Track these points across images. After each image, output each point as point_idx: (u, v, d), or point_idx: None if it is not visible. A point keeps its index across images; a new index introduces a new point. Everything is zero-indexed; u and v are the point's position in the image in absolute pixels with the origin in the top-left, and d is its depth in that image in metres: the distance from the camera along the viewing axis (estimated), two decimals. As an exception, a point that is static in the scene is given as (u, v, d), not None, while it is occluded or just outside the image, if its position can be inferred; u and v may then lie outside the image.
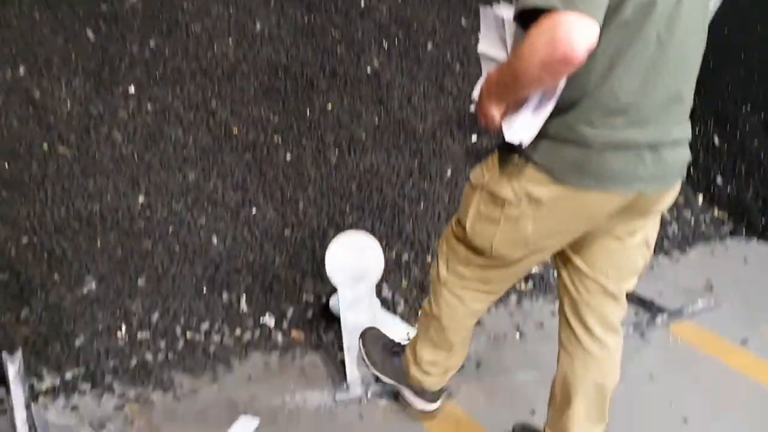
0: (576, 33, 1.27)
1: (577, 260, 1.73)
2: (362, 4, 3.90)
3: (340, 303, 2.34)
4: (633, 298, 2.91)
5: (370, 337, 2.24)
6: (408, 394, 2.18)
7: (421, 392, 2.15)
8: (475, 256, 1.76)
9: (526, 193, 1.55)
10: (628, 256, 1.70)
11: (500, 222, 1.62)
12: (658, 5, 1.40)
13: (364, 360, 2.22)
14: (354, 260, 2.34)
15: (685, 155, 1.57)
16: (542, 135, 1.49)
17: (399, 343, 2.23)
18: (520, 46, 1.37)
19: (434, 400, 2.17)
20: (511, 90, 1.45)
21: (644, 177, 1.49)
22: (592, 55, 1.34)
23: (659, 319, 2.77)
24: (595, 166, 1.46)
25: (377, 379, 2.31)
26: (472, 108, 1.61)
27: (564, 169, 1.49)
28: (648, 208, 1.60)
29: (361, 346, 2.23)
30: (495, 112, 1.53)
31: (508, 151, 1.58)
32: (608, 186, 1.48)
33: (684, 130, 1.56)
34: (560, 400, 1.91)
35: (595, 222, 1.59)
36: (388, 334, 2.41)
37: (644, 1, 1.39)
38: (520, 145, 1.51)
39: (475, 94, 1.64)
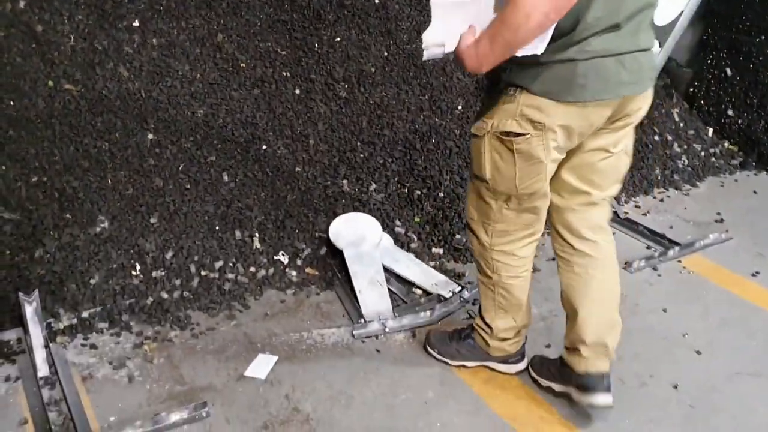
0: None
1: (565, 174, 1.84)
2: (368, -68, 3.77)
3: (347, 259, 2.44)
4: (644, 232, 2.91)
5: (434, 338, 2.24)
6: (496, 366, 2.16)
7: (507, 358, 2.14)
8: (506, 205, 1.83)
9: (530, 121, 1.66)
10: (613, 165, 1.83)
11: (515, 158, 1.71)
12: None
13: (442, 360, 2.19)
14: (353, 229, 2.57)
15: (653, 60, 1.74)
16: (531, 64, 1.59)
17: (464, 328, 2.21)
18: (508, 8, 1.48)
19: (521, 359, 2.16)
20: (520, 43, 1.53)
21: (626, 81, 1.64)
22: None
23: (671, 252, 2.77)
24: (585, 80, 1.59)
25: (394, 315, 2.34)
26: (425, 55, 1.66)
27: (560, 89, 1.61)
28: (630, 114, 1.74)
29: (432, 351, 2.22)
30: (498, 60, 1.60)
31: (499, 92, 1.69)
32: (601, 94, 1.62)
33: (650, 39, 1.70)
34: (570, 312, 1.97)
35: (594, 129, 1.72)
36: (402, 270, 2.43)
37: None
38: (512, 83, 1.65)
39: (435, 42, 1.70)
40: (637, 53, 1.65)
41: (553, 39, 1.54)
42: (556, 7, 1.45)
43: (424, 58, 1.79)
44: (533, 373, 2.12)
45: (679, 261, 2.76)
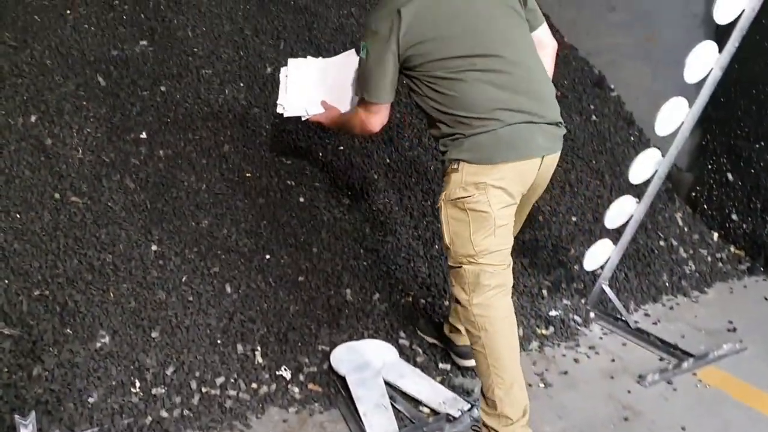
0: (371, 119, 2.26)
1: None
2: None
3: (350, 385, 2.42)
4: (656, 343, 2.85)
5: None
6: None
7: None
8: (473, 266, 2.10)
9: (473, 184, 2.06)
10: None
11: (468, 217, 2.08)
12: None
13: None
14: (355, 356, 2.58)
15: (561, 131, 2.19)
16: (464, 140, 2.06)
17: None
18: (352, 116, 2.38)
19: None
20: (344, 130, 2.58)
21: (543, 145, 2.10)
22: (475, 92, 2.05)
23: (685, 365, 2.70)
24: (506, 144, 2.04)
25: (400, 434, 2.26)
26: (281, 111, 2.73)
27: (489, 155, 2.04)
28: (548, 172, 2.21)
29: None
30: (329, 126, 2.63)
31: (447, 167, 2.13)
32: (523, 153, 2.06)
33: (554, 112, 2.16)
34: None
35: (527, 184, 2.14)
36: (409, 387, 2.37)
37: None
38: (453, 158, 2.10)
39: (298, 106, 2.69)
40: (545, 125, 2.10)
41: (468, 119, 2.05)
42: (368, 131, 2.31)
43: (285, 116, 2.69)
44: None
45: (694, 374, 2.69)
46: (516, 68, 2.09)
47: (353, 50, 2.65)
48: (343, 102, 2.58)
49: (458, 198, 2.08)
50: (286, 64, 2.77)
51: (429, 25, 2.06)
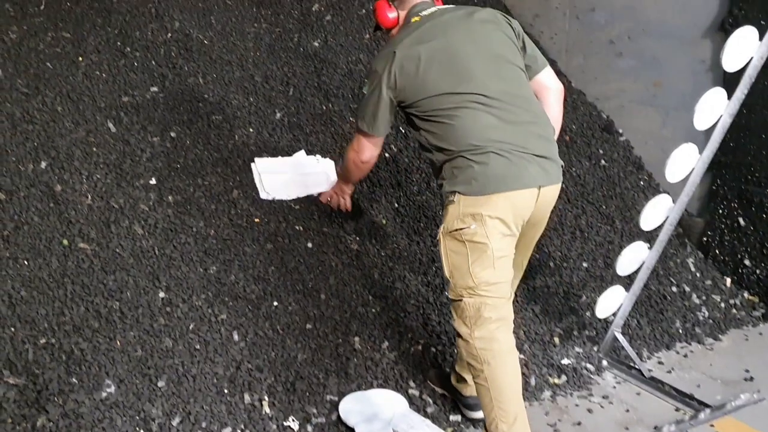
0: (363, 148, 2.45)
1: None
2: (380, 90, 3.92)
3: None
4: (671, 392, 2.79)
5: None
6: None
7: None
8: (473, 299, 2.12)
9: (470, 216, 2.10)
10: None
11: (467, 248, 2.12)
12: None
13: None
14: (364, 406, 2.53)
15: (557, 162, 2.24)
16: (458, 173, 2.14)
17: None
18: (346, 154, 2.58)
19: None
20: (347, 178, 2.74)
21: (536, 176, 2.14)
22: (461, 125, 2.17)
23: (702, 416, 2.64)
24: (502, 174, 2.11)
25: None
26: (265, 197, 3.13)
27: (481, 185, 2.10)
28: (547, 205, 2.25)
29: None
30: (345, 191, 2.87)
31: (444, 200, 2.19)
32: (510, 185, 2.10)
33: (546, 147, 2.21)
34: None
35: (527, 215, 2.17)
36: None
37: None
38: (450, 190, 2.17)
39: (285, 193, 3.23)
40: (538, 157, 2.15)
41: (462, 151, 2.13)
42: (359, 161, 2.50)
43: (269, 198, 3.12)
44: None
45: (711, 425, 2.62)
46: (508, 104, 2.18)
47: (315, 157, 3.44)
48: (319, 185, 3.21)
49: (456, 230, 2.13)
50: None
51: (421, 64, 2.21)
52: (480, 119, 2.15)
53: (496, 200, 2.10)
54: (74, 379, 2.36)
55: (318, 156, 3.48)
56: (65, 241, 2.73)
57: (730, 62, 2.54)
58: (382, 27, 2.51)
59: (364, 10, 4.42)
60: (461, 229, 2.12)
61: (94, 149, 3.10)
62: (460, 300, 2.16)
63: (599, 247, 3.59)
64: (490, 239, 2.10)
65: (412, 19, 2.38)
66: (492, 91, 2.18)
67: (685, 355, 3.15)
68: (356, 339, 2.81)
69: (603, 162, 4.07)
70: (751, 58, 2.55)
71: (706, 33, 3.72)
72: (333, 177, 3.35)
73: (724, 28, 3.59)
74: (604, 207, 3.81)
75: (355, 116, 2.48)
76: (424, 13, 2.38)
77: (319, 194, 3.11)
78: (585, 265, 3.47)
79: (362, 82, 3.89)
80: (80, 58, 3.53)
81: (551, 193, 2.23)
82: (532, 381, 2.79)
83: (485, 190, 2.10)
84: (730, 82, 2.70)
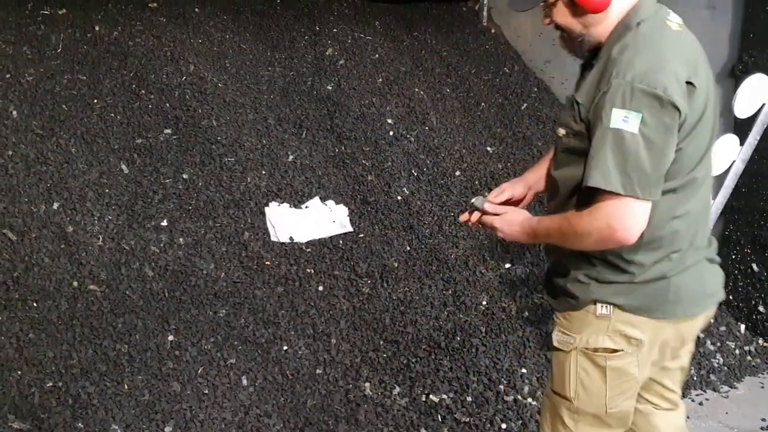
0: (630, 221, 1.49)
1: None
2: (391, 134, 3.95)
3: None
4: (688, 443, 2.73)
5: None
6: None
7: None
8: (596, 428, 1.73)
9: (624, 337, 1.64)
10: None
11: (606, 376, 1.67)
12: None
13: None
14: None
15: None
16: (623, 280, 1.62)
17: None
18: (578, 218, 1.56)
19: None
20: (558, 242, 1.66)
21: (710, 292, 1.71)
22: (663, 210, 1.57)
23: (719, 468, 2.58)
24: (677, 296, 1.62)
25: None
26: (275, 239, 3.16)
27: (653, 307, 1.62)
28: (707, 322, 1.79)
29: None
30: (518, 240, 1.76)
31: (583, 306, 1.67)
32: (693, 309, 1.67)
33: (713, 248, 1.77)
34: None
35: (686, 342, 1.75)
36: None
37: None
38: (600, 300, 1.64)
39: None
40: (709, 263, 1.72)
41: (644, 251, 1.60)
42: (618, 241, 1.53)
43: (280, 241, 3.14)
44: None
45: (729, 478, 2.56)
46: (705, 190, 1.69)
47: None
48: (331, 228, 3.30)
49: (601, 349, 1.66)
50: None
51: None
52: (684, 214, 1.66)
53: (664, 325, 1.66)
54: (80, 424, 2.33)
55: (331, 202, 3.49)
56: (75, 283, 2.73)
57: (742, 109, 2.55)
58: None
59: (377, 55, 4.47)
60: (609, 351, 1.66)
61: (107, 190, 3.12)
62: (572, 423, 1.74)
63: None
64: (641, 371, 1.69)
65: None
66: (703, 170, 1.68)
67: (701, 403, 3.08)
68: (367, 384, 2.77)
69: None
70: (763, 104, 2.56)
71: (716, 79, 3.73)
72: (345, 222, 3.37)
73: (735, 75, 3.61)
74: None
75: (598, 175, 1.50)
76: None
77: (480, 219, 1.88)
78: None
79: (376, 129, 3.91)
80: (95, 101, 3.57)
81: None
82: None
83: (659, 314, 1.64)
84: (741, 127, 2.70)
